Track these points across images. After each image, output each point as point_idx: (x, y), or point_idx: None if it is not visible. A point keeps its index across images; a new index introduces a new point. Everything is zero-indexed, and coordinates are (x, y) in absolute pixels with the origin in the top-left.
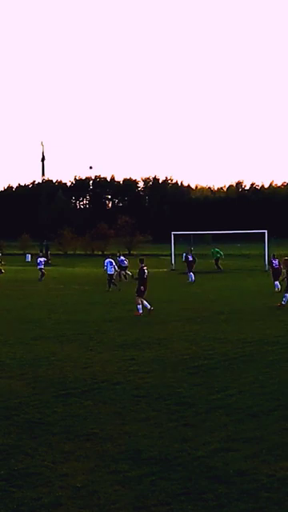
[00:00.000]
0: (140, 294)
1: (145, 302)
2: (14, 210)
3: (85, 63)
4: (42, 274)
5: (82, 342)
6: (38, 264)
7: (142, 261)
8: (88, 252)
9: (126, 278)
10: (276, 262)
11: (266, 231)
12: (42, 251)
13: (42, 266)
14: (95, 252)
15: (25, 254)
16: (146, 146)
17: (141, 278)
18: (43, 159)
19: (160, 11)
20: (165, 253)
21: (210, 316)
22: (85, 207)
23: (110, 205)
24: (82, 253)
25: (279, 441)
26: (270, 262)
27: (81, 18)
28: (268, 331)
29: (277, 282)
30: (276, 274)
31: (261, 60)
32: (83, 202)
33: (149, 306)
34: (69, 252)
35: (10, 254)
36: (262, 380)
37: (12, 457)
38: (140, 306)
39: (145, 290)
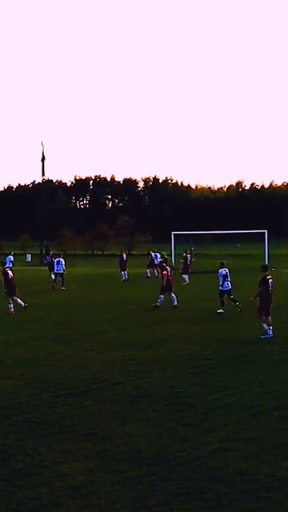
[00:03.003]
0: (7, 294)
1: (18, 300)
2: (14, 210)
3: (85, 63)
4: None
5: (81, 342)
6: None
7: (1, 263)
8: (88, 252)
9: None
10: (189, 256)
11: (266, 231)
12: (43, 250)
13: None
14: (95, 252)
15: (25, 254)
16: (146, 146)
17: (4, 280)
18: (43, 159)
19: (160, 11)
20: (165, 253)
21: (210, 316)
22: (85, 207)
23: (110, 205)
24: (82, 253)
25: (279, 441)
26: (185, 257)
27: (81, 17)
28: None
29: (185, 276)
30: (186, 268)
31: (260, 60)
32: (83, 202)
33: (23, 304)
34: (69, 252)
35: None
36: (261, 380)
37: (12, 457)
38: (11, 305)
39: (10, 290)
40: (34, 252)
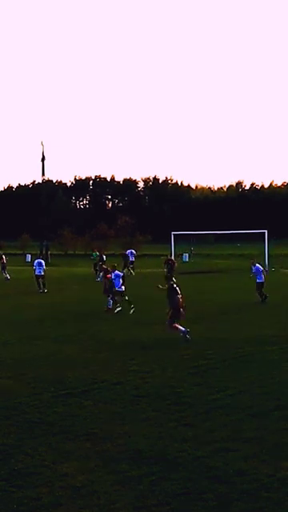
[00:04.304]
0: None
1: None
2: (14, 209)
3: (85, 63)
4: None
5: (81, 342)
6: None
7: None
8: (88, 252)
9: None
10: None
11: (266, 231)
12: (43, 250)
13: None
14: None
15: (25, 254)
16: (146, 146)
17: None
18: (43, 159)
19: (159, 11)
20: (165, 253)
21: (210, 316)
22: (85, 207)
23: (110, 205)
24: (82, 253)
25: (279, 441)
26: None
27: (81, 17)
28: (268, 331)
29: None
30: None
31: (260, 60)
32: (83, 202)
33: None
34: (69, 252)
35: (10, 254)
36: (261, 380)
37: (12, 457)
38: None
39: None
40: (33, 252)
